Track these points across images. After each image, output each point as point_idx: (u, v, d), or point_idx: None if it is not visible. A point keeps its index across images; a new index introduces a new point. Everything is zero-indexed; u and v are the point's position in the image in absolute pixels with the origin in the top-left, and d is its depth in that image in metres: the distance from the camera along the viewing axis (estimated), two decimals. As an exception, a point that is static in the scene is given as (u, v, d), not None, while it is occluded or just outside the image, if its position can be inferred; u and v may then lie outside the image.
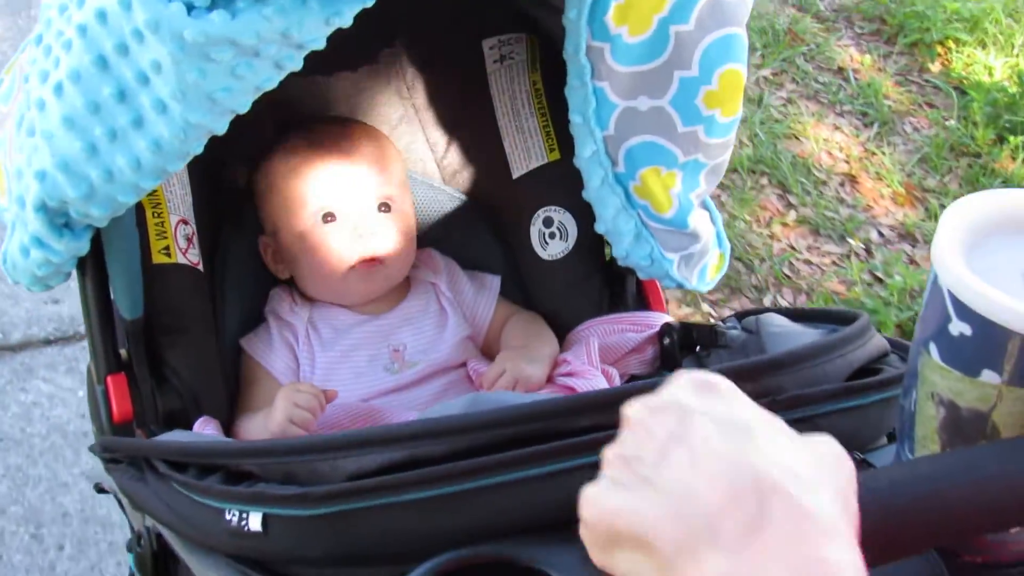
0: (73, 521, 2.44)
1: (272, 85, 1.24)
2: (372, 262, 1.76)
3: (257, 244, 1.84)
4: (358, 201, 1.77)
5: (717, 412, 0.73)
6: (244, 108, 1.25)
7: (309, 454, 1.08)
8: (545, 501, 1.01)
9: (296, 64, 1.24)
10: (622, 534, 0.71)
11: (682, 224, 1.61)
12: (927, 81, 4.16)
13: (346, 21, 1.21)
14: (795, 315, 1.52)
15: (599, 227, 1.69)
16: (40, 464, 2.57)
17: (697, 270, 1.70)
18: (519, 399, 1.12)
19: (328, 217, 1.76)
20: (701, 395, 0.76)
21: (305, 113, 1.89)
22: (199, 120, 1.23)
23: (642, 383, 1.08)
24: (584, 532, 0.76)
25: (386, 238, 1.77)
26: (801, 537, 0.65)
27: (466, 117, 1.93)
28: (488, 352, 1.85)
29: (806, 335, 1.43)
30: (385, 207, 1.79)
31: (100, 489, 1.97)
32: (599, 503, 0.74)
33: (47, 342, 2.89)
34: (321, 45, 1.22)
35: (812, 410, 1.12)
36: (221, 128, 1.26)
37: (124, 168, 1.28)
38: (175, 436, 1.36)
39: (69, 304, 2.97)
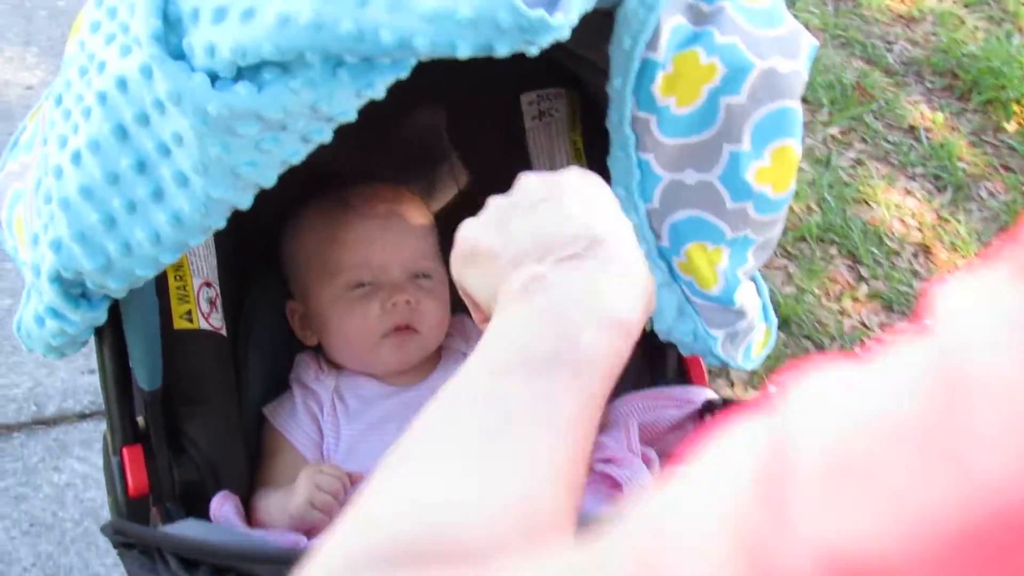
0: None
1: (299, 159, 1.18)
2: (406, 331, 1.70)
3: (283, 308, 1.78)
4: (393, 270, 1.70)
5: (586, 193, 1.00)
6: (270, 183, 1.19)
7: None
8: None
9: (325, 137, 1.17)
10: (479, 253, 0.99)
11: (728, 301, 1.53)
12: (1002, 142, 3.96)
13: (378, 93, 1.14)
14: None
15: (640, 301, 1.62)
16: (72, 552, 2.41)
17: (743, 348, 1.62)
18: None
19: (361, 286, 1.69)
20: (582, 177, 1.04)
21: (335, 170, 1.82)
22: (222, 195, 1.17)
23: None
24: (452, 253, 1.03)
25: (420, 307, 1.70)
26: (608, 271, 0.89)
27: (503, 176, 1.86)
28: None
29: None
30: (420, 275, 1.73)
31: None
32: (469, 228, 1.04)
33: (82, 416, 2.74)
34: (352, 118, 1.16)
35: None
36: (245, 203, 1.20)
37: (143, 241, 1.22)
38: (190, 527, 1.29)
39: None
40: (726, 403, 1.65)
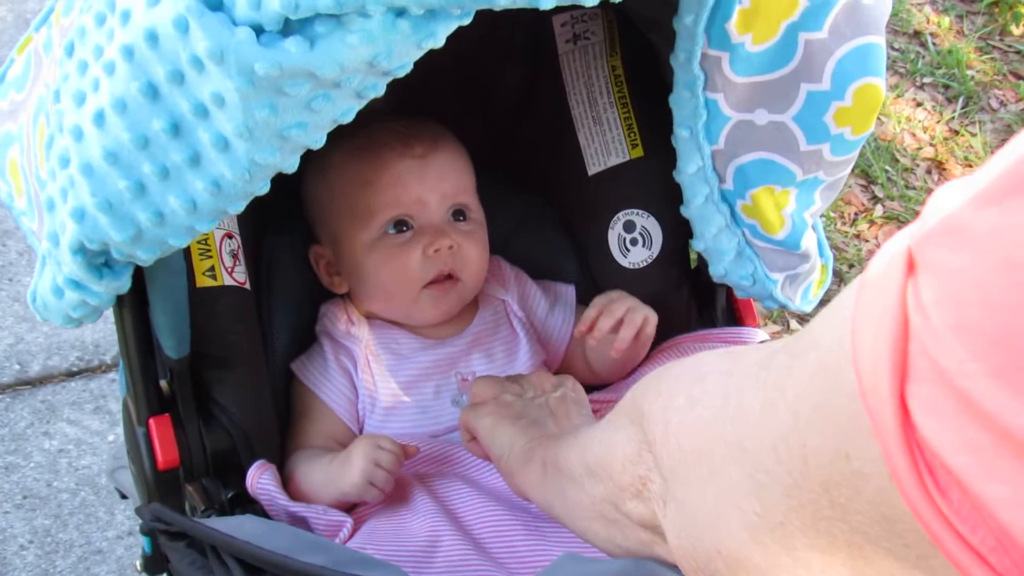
0: None
1: (350, 117, 1.07)
2: (447, 281, 1.59)
3: (305, 254, 1.66)
4: (432, 207, 1.59)
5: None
6: (319, 144, 1.07)
7: None
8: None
9: (379, 91, 1.06)
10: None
11: (794, 245, 1.44)
12: (1010, 47, 3.86)
13: (439, 43, 1.03)
14: None
15: (697, 244, 1.52)
16: (71, 527, 2.27)
17: (801, 289, 1.53)
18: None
19: (400, 226, 1.58)
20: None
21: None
22: (267, 159, 1.05)
23: None
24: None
25: (461, 252, 1.59)
26: None
27: (535, 105, 1.74)
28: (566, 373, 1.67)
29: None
30: (461, 215, 1.62)
31: (123, 495, 1.83)
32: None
33: (70, 374, 2.57)
34: (408, 70, 1.04)
35: None
36: (291, 166, 1.08)
37: (177, 210, 1.10)
38: (248, 524, 1.19)
39: (92, 328, 2.63)
40: (779, 345, 1.56)
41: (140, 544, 1.56)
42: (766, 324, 2.88)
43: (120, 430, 1.70)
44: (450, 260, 1.58)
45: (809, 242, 1.46)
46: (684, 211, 1.49)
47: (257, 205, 1.58)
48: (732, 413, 0.71)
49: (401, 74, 1.04)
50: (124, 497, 1.83)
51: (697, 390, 0.78)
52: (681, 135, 1.40)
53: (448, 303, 1.60)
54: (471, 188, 1.64)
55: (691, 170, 1.42)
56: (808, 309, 1.57)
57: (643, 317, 1.54)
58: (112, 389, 2.47)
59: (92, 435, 2.43)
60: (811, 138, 1.32)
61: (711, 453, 0.73)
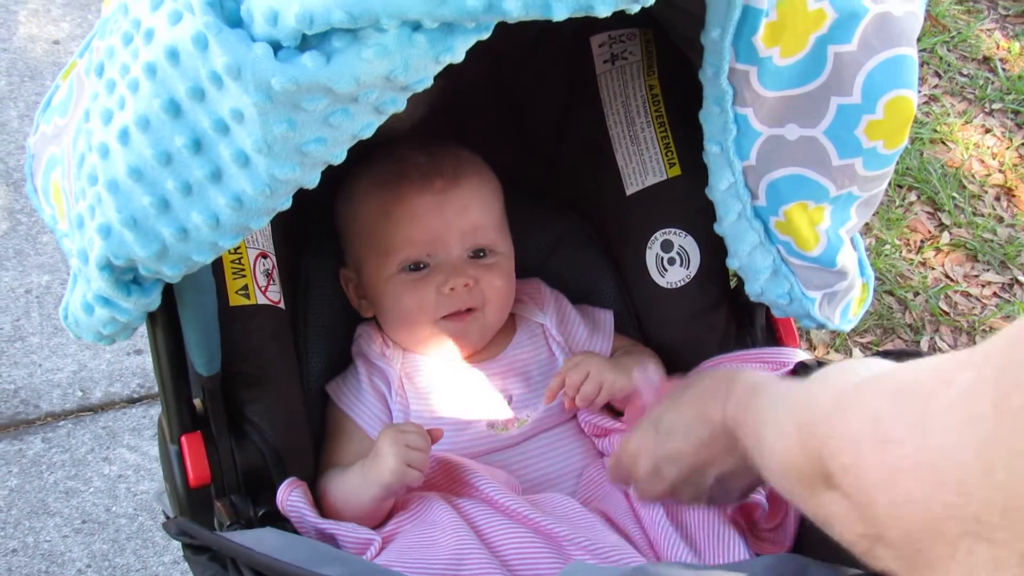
0: None
1: (371, 132, 1.07)
2: (466, 313, 1.59)
3: (339, 274, 1.66)
4: (450, 247, 1.59)
5: None
6: (339, 159, 1.07)
7: None
8: None
9: (399, 107, 1.06)
10: None
11: (830, 263, 1.41)
12: None
13: (458, 57, 1.02)
14: None
15: (731, 263, 1.50)
16: (128, 551, 2.29)
17: (840, 308, 1.50)
18: None
19: (417, 266, 1.58)
20: None
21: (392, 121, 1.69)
22: (287, 175, 1.05)
23: None
24: None
25: (480, 286, 1.59)
26: None
27: (573, 125, 1.73)
28: None
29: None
30: (481, 253, 1.61)
31: (168, 517, 1.84)
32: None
33: (131, 401, 2.60)
34: (428, 84, 1.04)
35: None
36: (312, 182, 1.08)
37: (200, 225, 1.10)
38: (268, 538, 1.19)
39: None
40: (820, 364, 1.53)
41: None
42: (828, 352, 2.83)
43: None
44: (467, 297, 1.58)
45: (847, 259, 1.44)
46: (717, 228, 1.48)
47: (295, 225, 1.60)
48: None
49: (420, 88, 1.04)
50: (164, 525, 1.84)
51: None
52: (712, 151, 1.39)
53: (470, 334, 1.61)
54: (493, 223, 1.64)
55: (723, 186, 1.41)
56: (847, 328, 1.54)
57: (596, 386, 1.54)
58: (172, 417, 2.51)
59: (151, 461, 2.45)
60: (843, 152, 1.30)
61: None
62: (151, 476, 2.41)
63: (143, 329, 1.35)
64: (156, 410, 2.56)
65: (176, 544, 2.23)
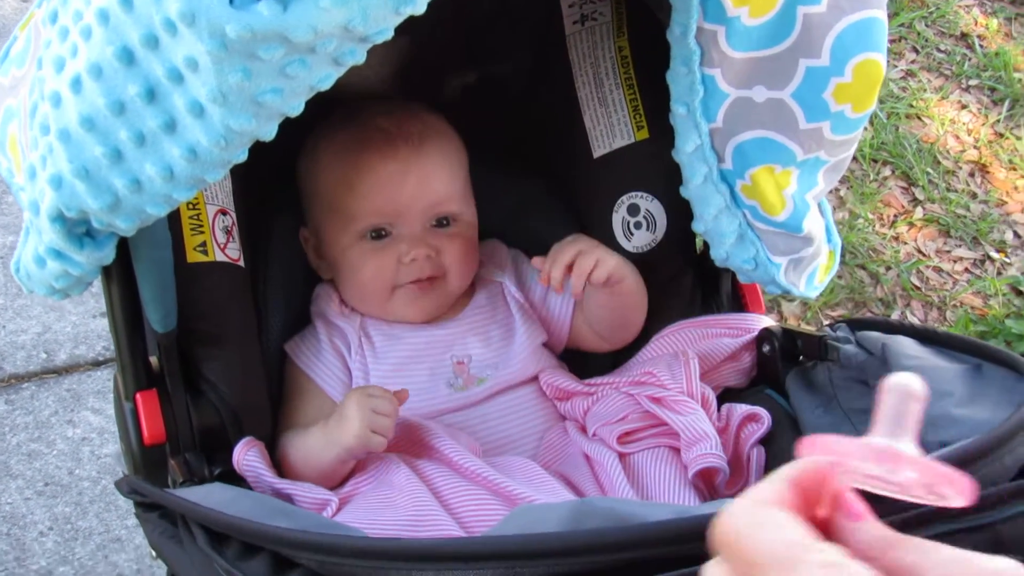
0: None
1: (329, 84, 1.04)
2: (426, 282, 1.57)
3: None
4: (412, 218, 1.57)
5: None
6: (296, 111, 1.05)
7: (382, 560, 0.89)
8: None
9: (358, 59, 1.03)
10: None
11: (796, 228, 1.40)
12: None
13: (419, 9, 1.00)
14: (926, 338, 1.31)
15: (697, 226, 1.48)
16: (91, 514, 2.25)
17: (806, 274, 1.49)
18: (635, 511, 0.92)
19: (377, 235, 1.56)
20: None
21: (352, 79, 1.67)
22: (242, 126, 1.03)
23: None
24: None
25: (441, 256, 1.58)
26: None
27: (541, 87, 1.71)
28: (576, 347, 1.67)
29: (947, 372, 1.22)
30: (444, 221, 1.59)
31: None
32: None
33: (96, 363, 2.56)
34: (388, 36, 1.01)
35: (994, 515, 0.90)
36: (268, 134, 1.06)
37: (154, 177, 1.08)
38: (216, 492, 1.17)
39: None
40: (785, 332, 1.52)
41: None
42: (800, 324, 2.82)
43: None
44: (427, 266, 1.56)
45: (813, 225, 1.42)
46: (683, 191, 1.46)
47: (256, 182, 1.57)
48: None
49: (380, 40, 1.02)
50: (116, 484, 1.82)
51: None
52: (678, 112, 1.37)
53: (429, 301, 1.59)
54: (457, 192, 1.61)
55: (689, 149, 1.39)
56: (813, 295, 1.53)
57: (593, 260, 1.50)
58: (138, 380, 2.48)
59: (115, 424, 2.42)
60: (811, 116, 1.29)
61: None
62: (115, 439, 2.38)
63: (108, 290, 1.33)
64: (121, 372, 2.54)
65: (141, 507, 2.22)
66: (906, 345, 1.29)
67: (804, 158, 1.34)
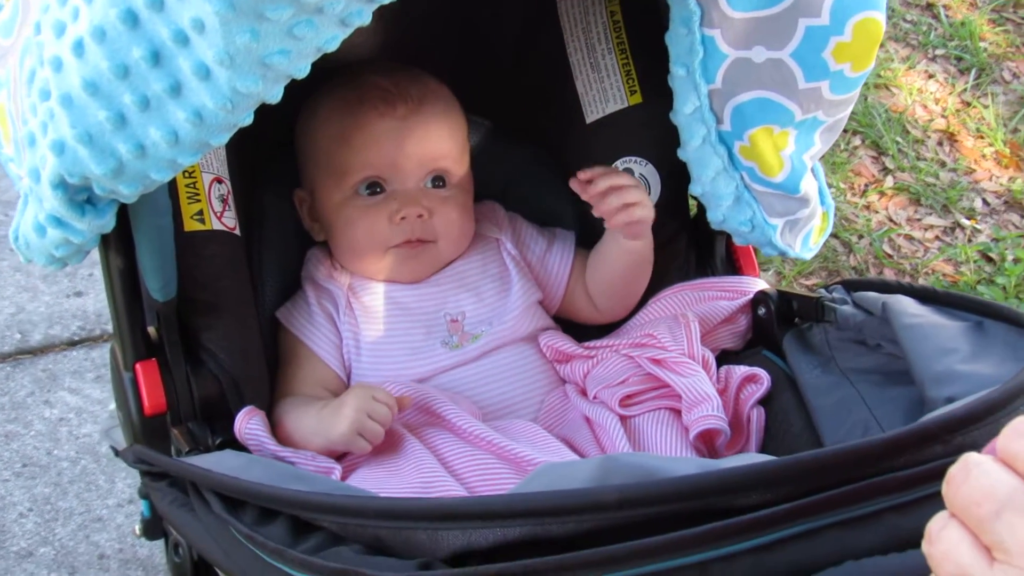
0: (111, 564, 2.11)
1: (335, 46, 1.04)
2: (417, 243, 1.56)
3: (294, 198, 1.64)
4: (407, 172, 1.56)
5: None
6: (302, 73, 1.05)
7: (408, 520, 0.89)
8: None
9: (365, 19, 1.03)
10: None
11: (793, 189, 1.40)
12: None
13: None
14: (925, 297, 1.32)
15: (694, 189, 1.49)
16: (71, 495, 2.23)
17: (802, 236, 1.50)
18: (660, 466, 0.93)
19: (373, 187, 1.55)
20: None
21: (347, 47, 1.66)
22: (250, 88, 1.02)
23: (837, 451, 0.88)
24: None
25: (437, 218, 1.56)
26: None
27: (533, 53, 1.70)
28: (569, 317, 1.67)
29: (949, 329, 1.23)
30: (439, 181, 1.59)
31: (117, 452, 1.81)
32: None
33: (72, 343, 2.53)
34: None
35: None
36: (275, 96, 1.05)
37: (159, 141, 1.07)
38: (227, 459, 1.17)
39: (94, 297, 2.60)
40: (781, 294, 1.53)
41: (140, 511, 1.54)
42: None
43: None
44: (419, 227, 1.55)
45: (809, 186, 1.43)
46: (681, 154, 1.46)
47: (249, 152, 1.56)
48: None
49: (387, 0, 1.02)
50: (118, 454, 1.81)
51: None
52: (677, 74, 1.37)
53: (420, 263, 1.58)
54: (455, 152, 1.60)
55: (688, 110, 1.40)
56: (808, 256, 1.54)
57: (637, 197, 1.51)
58: (114, 358, 2.46)
59: (93, 404, 2.40)
60: (810, 75, 1.29)
61: None
62: (93, 419, 2.37)
63: (83, 270, 1.31)
64: (97, 352, 2.51)
65: (120, 487, 2.21)
66: (906, 304, 1.30)
67: (802, 118, 1.34)
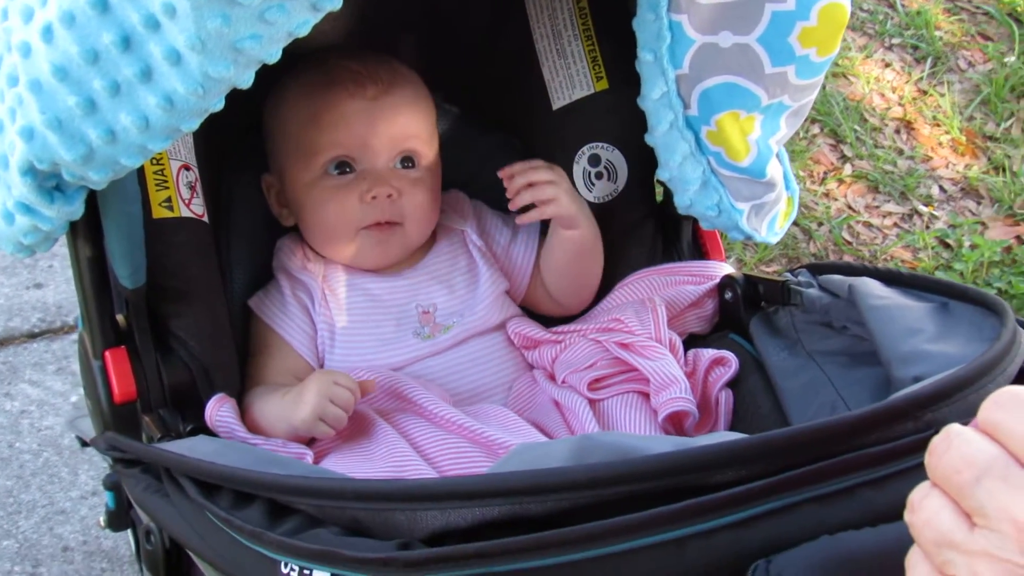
0: (75, 556, 2.10)
1: (307, 30, 1.04)
2: (387, 226, 1.56)
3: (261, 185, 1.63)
4: (379, 153, 1.55)
5: None
6: (274, 58, 1.04)
7: (386, 502, 0.89)
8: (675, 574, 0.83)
9: (335, 4, 1.03)
10: None
11: (759, 173, 1.42)
12: (978, 8, 3.81)
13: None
14: (890, 279, 1.34)
15: (661, 174, 1.50)
16: (33, 487, 2.22)
17: (767, 220, 1.52)
18: (636, 444, 0.94)
19: (343, 167, 1.55)
20: None
21: (316, 32, 1.65)
22: (221, 73, 1.02)
23: (810, 428, 0.89)
24: None
25: (405, 199, 1.56)
26: None
27: (499, 40, 1.71)
28: (532, 308, 1.67)
29: (915, 311, 1.25)
30: (409, 162, 1.58)
31: (83, 444, 1.80)
32: None
33: (32, 335, 2.52)
34: None
35: None
36: (246, 81, 1.05)
37: (129, 127, 1.07)
38: (201, 445, 1.17)
39: (54, 288, 2.55)
40: (747, 278, 1.55)
41: (104, 503, 1.54)
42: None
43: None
44: (388, 208, 1.55)
45: (775, 171, 1.45)
46: (648, 139, 1.47)
47: (216, 139, 1.56)
48: None
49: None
50: (85, 445, 1.80)
51: None
52: (645, 59, 1.38)
53: (390, 247, 1.58)
54: (424, 134, 1.61)
55: (655, 95, 1.41)
56: (774, 241, 1.56)
57: (552, 194, 1.54)
58: (74, 350, 2.43)
59: (55, 396, 2.39)
60: (776, 60, 1.31)
61: None
62: (55, 411, 2.36)
63: (42, 261, 1.30)
64: (58, 344, 2.50)
65: (83, 479, 2.20)
66: (872, 286, 1.32)
67: (768, 103, 1.36)
